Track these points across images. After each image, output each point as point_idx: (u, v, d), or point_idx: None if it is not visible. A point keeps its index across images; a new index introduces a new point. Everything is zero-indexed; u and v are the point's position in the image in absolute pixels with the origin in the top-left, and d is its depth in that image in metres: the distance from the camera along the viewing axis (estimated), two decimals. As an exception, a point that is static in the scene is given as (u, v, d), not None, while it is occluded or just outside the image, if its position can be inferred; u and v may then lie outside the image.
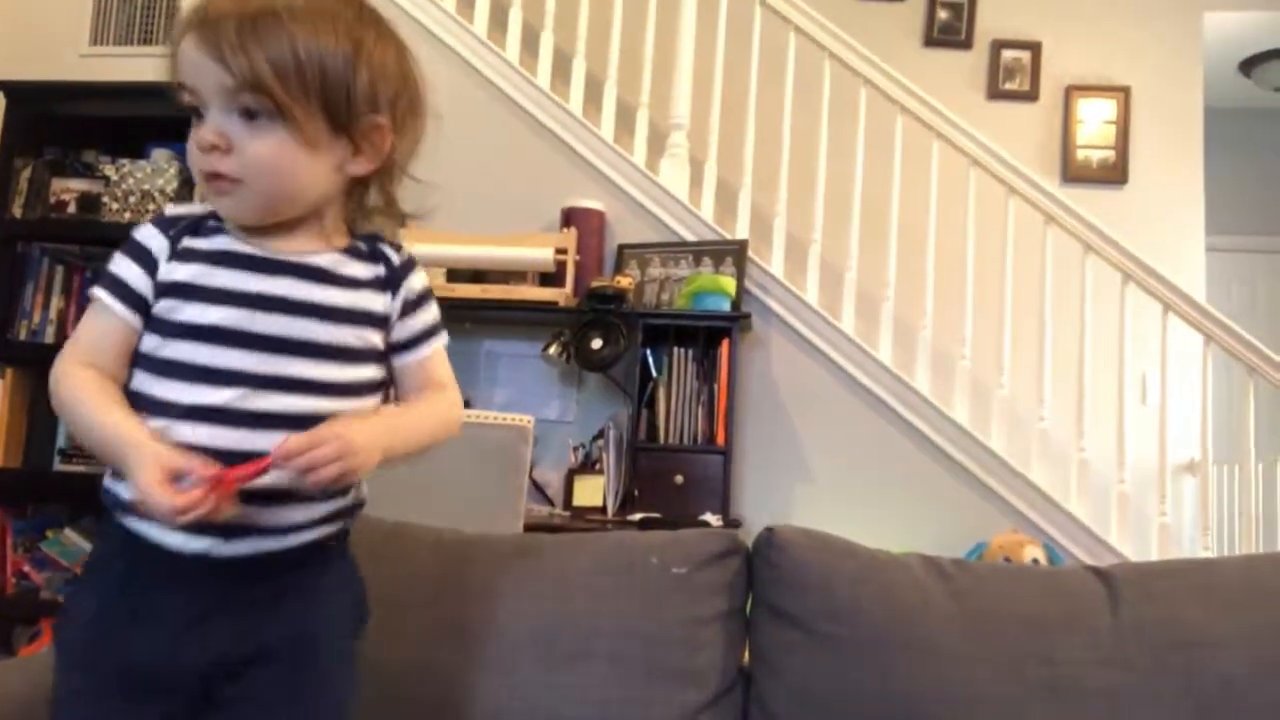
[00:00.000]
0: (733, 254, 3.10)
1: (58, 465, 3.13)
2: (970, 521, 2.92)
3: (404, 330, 0.99)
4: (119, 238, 3.02)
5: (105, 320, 0.91)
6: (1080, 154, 4.01)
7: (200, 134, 0.88)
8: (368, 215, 0.99)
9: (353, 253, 0.97)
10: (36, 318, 3.18)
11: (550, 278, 3.09)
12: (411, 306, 1.00)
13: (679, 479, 2.94)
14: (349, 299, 0.95)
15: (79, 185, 3.18)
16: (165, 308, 0.90)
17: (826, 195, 3.24)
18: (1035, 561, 2.69)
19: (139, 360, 0.91)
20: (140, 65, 3.53)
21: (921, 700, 1.16)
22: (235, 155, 0.87)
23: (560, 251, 3.05)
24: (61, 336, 3.16)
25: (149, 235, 0.92)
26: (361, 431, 0.87)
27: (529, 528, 2.25)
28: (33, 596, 2.99)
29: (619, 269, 3.19)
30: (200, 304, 0.89)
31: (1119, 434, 2.99)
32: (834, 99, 3.25)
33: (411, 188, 1.01)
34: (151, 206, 3.08)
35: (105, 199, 3.11)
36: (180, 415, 0.87)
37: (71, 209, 3.16)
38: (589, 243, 3.16)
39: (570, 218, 3.18)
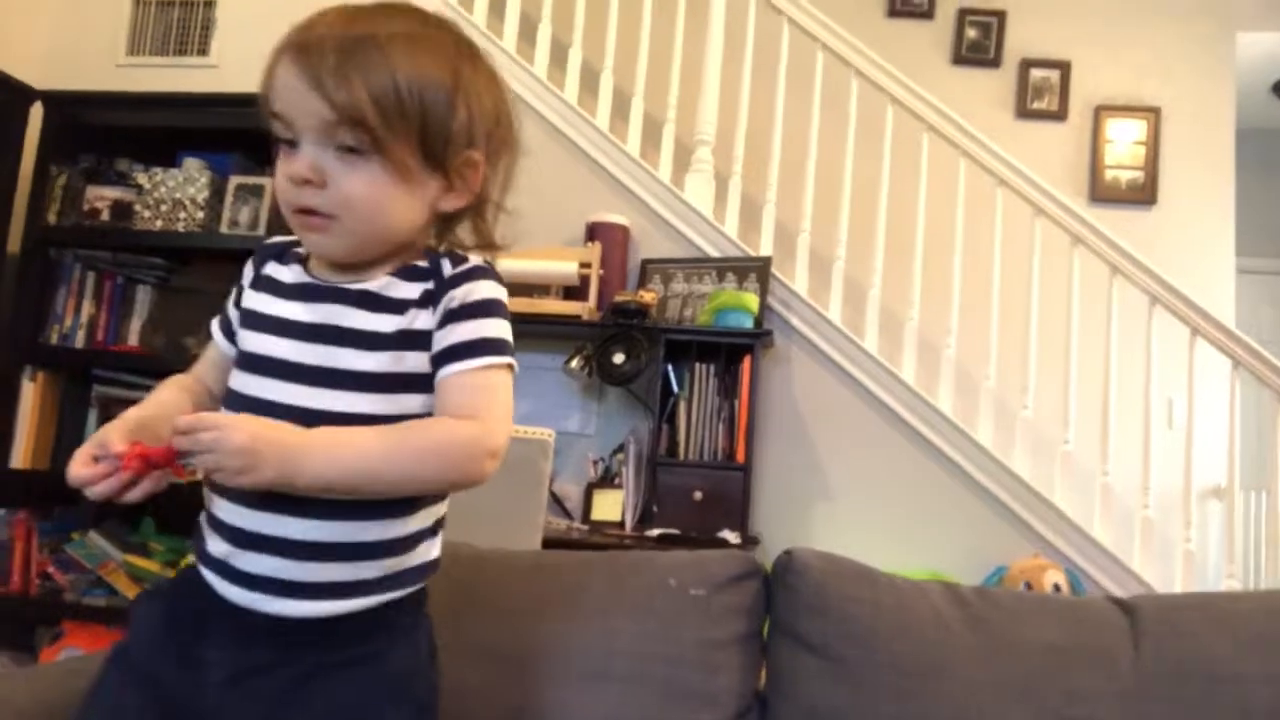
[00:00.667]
0: (756, 270, 3.10)
1: (85, 468, 3.17)
2: (991, 544, 2.89)
3: (438, 343, 0.88)
4: (151, 245, 3.07)
5: (210, 346, 0.97)
6: (1109, 174, 3.98)
7: (294, 167, 0.84)
8: (454, 249, 0.94)
9: (405, 273, 0.89)
10: (68, 322, 3.23)
11: (574, 291, 3.11)
12: (452, 316, 0.88)
13: (698, 495, 2.94)
14: (395, 323, 0.88)
15: (112, 193, 3.22)
16: (240, 338, 0.92)
17: (851, 213, 3.24)
18: (1056, 587, 2.66)
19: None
20: (175, 75, 3.59)
21: (939, 729, 1.15)
22: (329, 191, 0.84)
23: (584, 266, 3.07)
24: (92, 341, 3.20)
25: (248, 263, 0.96)
26: (255, 435, 0.79)
27: (547, 541, 2.25)
28: (56, 598, 3.03)
29: (642, 284, 3.20)
30: (257, 333, 0.89)
31: (1144, 459, 2.96)
32: (861, 116, 3.25)
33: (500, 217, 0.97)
34: (182, 214, 3.12)
35: (138, 207, 3.15)
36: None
37: (105, 216, 3.20)
38: (613, 257, 3.17)
39: (595, 232, 3.19)
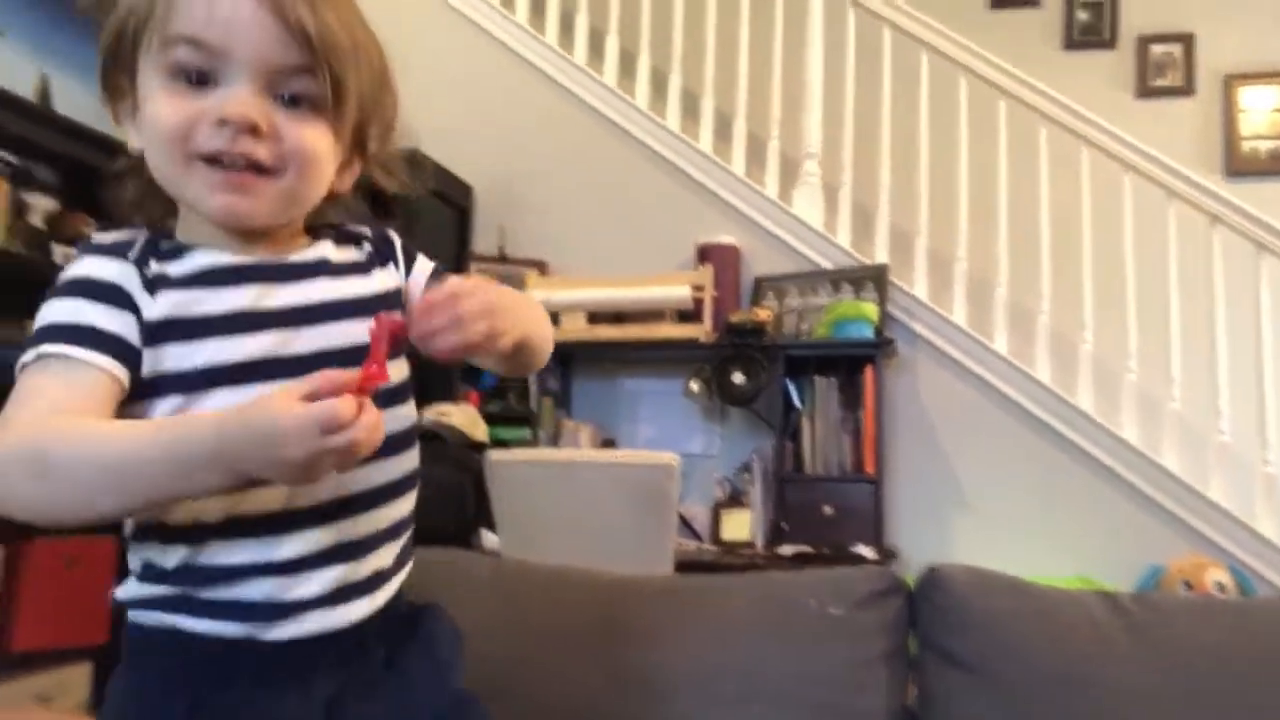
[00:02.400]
0: (873, 278, 3.05)
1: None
2: (1144, 545, 2.74)
3: (419, 274, 0.87)
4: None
5: (77, 374, 0.68)
6: (1246, 146, 3.76)
7: (234, 108, 0.70)
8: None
9: (328, 239, 0.82)
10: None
11: (689, 315, 3.12)
12: (412, 258, 0.87)
13: (828, 510, 2.89)
14: (369, 285, 0.81)
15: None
16: (165, 356, 0.71)
17: (969, 212, 3.15)
18: (1220, 585, 2.50)
19: None
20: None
21: (1105, 745, 1.10)
22: (276, 142, 0.72)
23: (697, 288, 3.08)
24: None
25: (102, 266, 0.72)
26: (501, 292, 0.74)
27: (679, 564, 2.26)
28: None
29: (756, 301, 3.19)
30: (216, 339, 0.72)
31: (1311, 446, 2.76)
32: (972, 113, 3.17)
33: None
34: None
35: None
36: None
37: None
38: (725, 277, 3.17)
39: (705, 254, 3.20)
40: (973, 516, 2.95)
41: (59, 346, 0.69)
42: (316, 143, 0.74)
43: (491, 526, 2.41)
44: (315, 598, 0.73)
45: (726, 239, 3.24)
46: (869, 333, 2.92)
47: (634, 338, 3.12)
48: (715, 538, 3.02)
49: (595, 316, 3.25)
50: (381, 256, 0.84)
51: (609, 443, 3.24)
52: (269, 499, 0.71)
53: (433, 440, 2.83)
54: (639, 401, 3.33)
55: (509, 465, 2.28)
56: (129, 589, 0.74)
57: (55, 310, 0.70)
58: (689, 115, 3.45)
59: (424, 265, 0.88)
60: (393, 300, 0.83)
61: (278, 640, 0.72)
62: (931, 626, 1.24)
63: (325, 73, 0.72)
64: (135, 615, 0.74)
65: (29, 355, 0.69)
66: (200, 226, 0.75)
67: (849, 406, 2.94)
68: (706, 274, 3.10)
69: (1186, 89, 3.83)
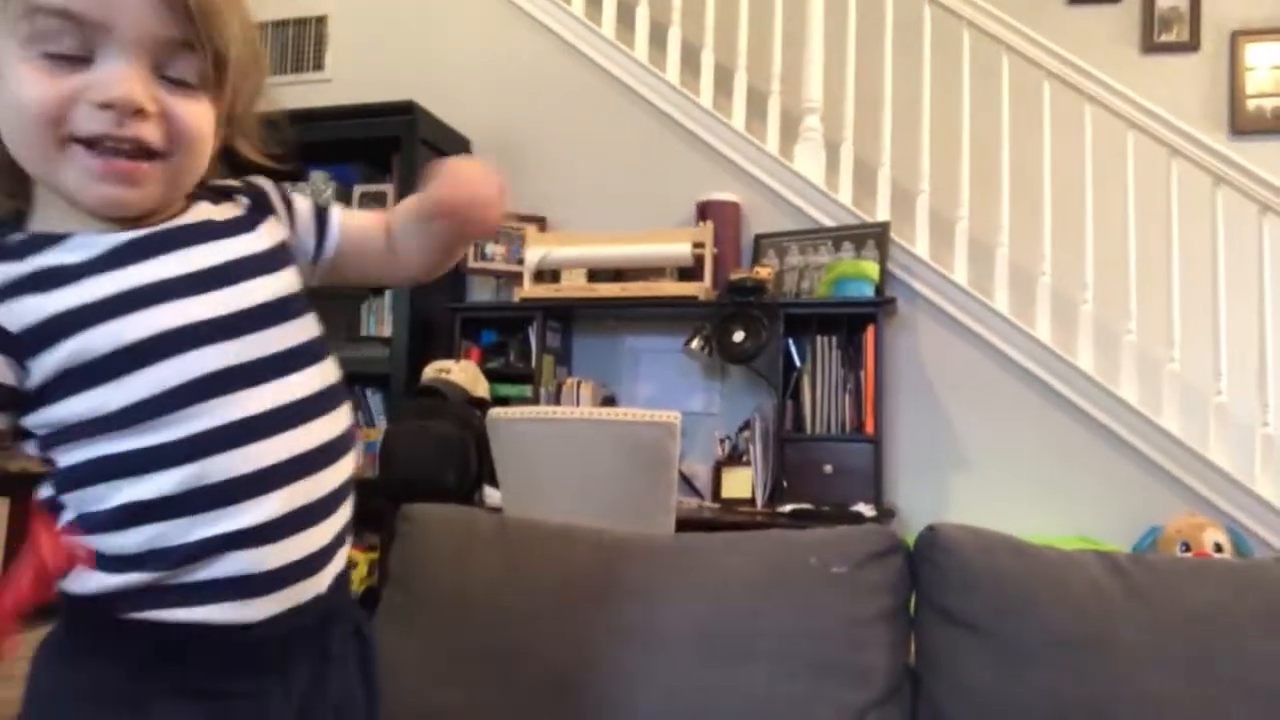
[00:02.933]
0: (874, 237, 3.04)
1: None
2: (1142, 505, 2.76)
3: (303, 217, 0.86)
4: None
5: None
6: (1251, 104, 3.71)
7: (120, 88, 0.66)
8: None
9: (205, 200, 0.79)
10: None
11: (689, 272, 3.11)
12: (289, 203, 0.85)
13: (828, 468, 2.91)
14: (260, 242, 0.79)
15: (247, 210, 3.40)
16: (79, 347, 0.67)
17: (971, 170, 3.12)
18: (1218, 546, 2.52)
19: (79, 430, 0.68)
20: (294, 92, 3.75)
21: (1105, 701, 1.11)
22: (163, 122, 0.69)
23: (698, 246, 3.06)
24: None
25: None
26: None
27: (680, 521, 2.28)
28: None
29: (757, 259, 3.17)
30: (127, 316, 0.68)
31: (1309, 406, 2.77)
32: (975, 67, 3.13)
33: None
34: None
35: (270, 222, 3.32)
36: (195, 452, 0.68)
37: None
38: (726, 235, 3.15)
39: (706, 211, 3.18)
40: (972, 476, 2.97)
41: None
42: (201, 120, 0.72)
43: (494, 483, 2.43)
44: (289, 564, 0.72)
45: (727, 196, 3.21)
46: (869, 291, 2.92)
47: (634, 295, 3.11)
48: (716, 495, 3.04)
49: (595, 274, 3.23)
50: (260, 209, 0.82)
51: (609, 400, 3.25)
52: (227, 465, 0.69)
53: (434, 396, 2.83)
54: (639, 359, 3.33)
55: (510, 423, 2.28)
56: (84, 582, 0.69)
57: None
58: (689, 69, 3.41)
59: (304, 205, 0.87)
60: (283, 255, 0.81)
61: (259, 619, 0.71)
62: (931, 585, 1.25)
63: (209, 45, 0.69)
64: (85, 608, 0.69)
65: None
66: (70, 213, 0.70)
67: (849, 365, 2.94)
68: (707, 231, 3.08)
69: (1192, 44, 3.77)
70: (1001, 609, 1.18)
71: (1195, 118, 3.31)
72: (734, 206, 3.21)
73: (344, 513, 0.79)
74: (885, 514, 2.80)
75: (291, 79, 3.81)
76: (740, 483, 3.00)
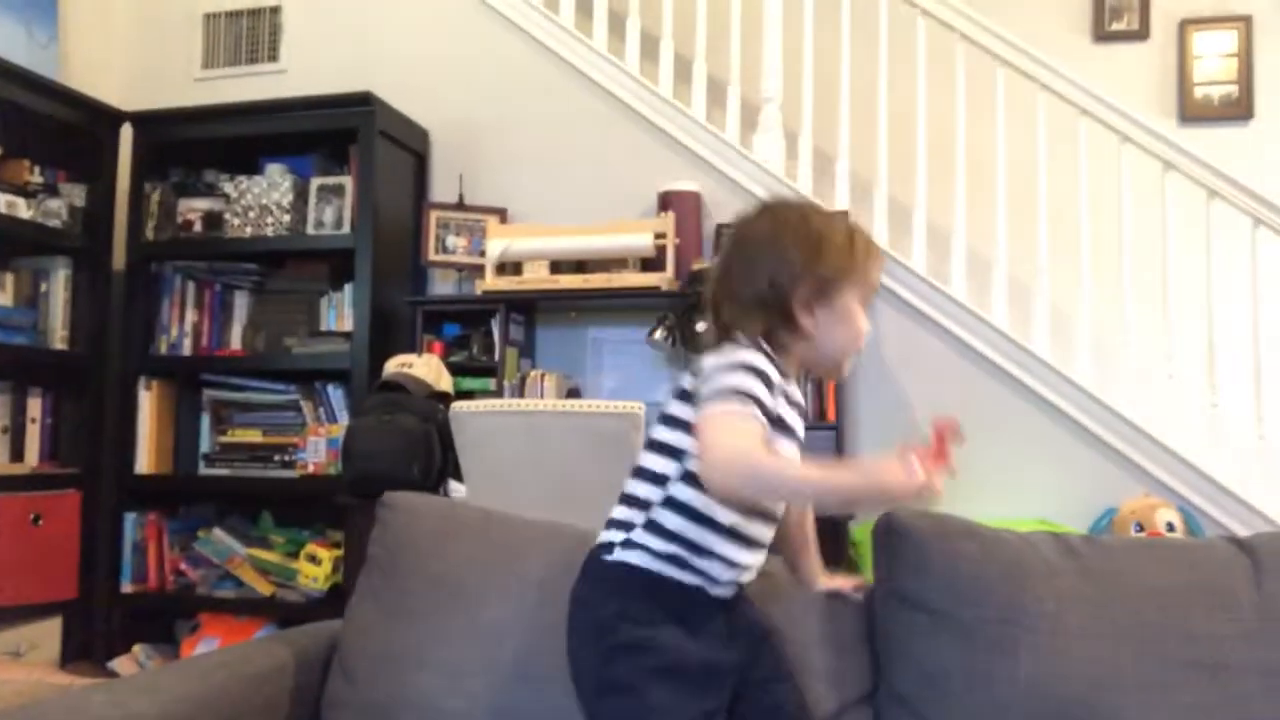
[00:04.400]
0: (833, 226, 3.06)
1: (203, 469, 3.34)
2: (1099, 487, 2.82)
3: None
4: (243, 251, 3.19)
5: (757, 425, 1.11)
6: (1199, 91, 3.79)
7: (867, 325, 1.19)
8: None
9: None
10: (174, 332, 3.39)
11: (651, 263, 3.12)
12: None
13: (791, 455, 2.94)
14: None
15: (203, 204, 3.36)
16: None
17: (929, 159, 3.16)
18: (1170, 526, 2.59)
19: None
20: (248, 84, 3.70)
21: (1055, 681, 1.14)
22: None
23: (659, 236, 3.07)
24: (198, 348, 3.35)
25: (760, 360, 1.15)
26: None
27: (646, 512, 2.28)
28: (189, 593, 3.21)
29: (718, 249, 3.19)
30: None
31: (1255, 385, 2.84)
32: (930, 58, 3.16)
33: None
34: (269, 220, 3.22)
35: (228, 215, 3.28)
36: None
37: (198, 227, 3.33)
38: (687, 225, 3.16)
39: (667, 201, 3.19)
40: (931, 460, 3.01)
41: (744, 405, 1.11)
42: None
43: (459, 477, 2.42)
44: (731, 580, 1.16)
45: (688, 185, 3.22)
46: (830, 280, 2.94)
47: (597, 286, 3.11)
48: (679, 484, 3.05)
49: (557, 265, 3.23)
50: None
51: (573, 392, 3.25)
52: (756, 531, 1.17)
53: (397, 390, 2.82)
54: (603, 350, 3.33)
55: (474, 416, 2.28)
56: (639, 536, 1.16)
57: (737, 380, 1.12)
58: (648, 58, 3.41)
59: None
60: None
61: (717, 595, 1.15)
62: (890, 569, 1.28)
63: None
64: (628, 557, 1.15)
65: (735, 401, 1.10)
66: (788, 361, 1.19)
67: (810, 353, 2.96)
68: (668, 221, 3.09)
69: (1142, 33, 3.84)
70: (957, 591, 1.21)
71: (1145, 105, 3.37)
72: (695, 196, 3.22)
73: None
74: (848, 499, 2.84)
75: (246, 70, 3.76)
76: (705, 471, 3.01)
